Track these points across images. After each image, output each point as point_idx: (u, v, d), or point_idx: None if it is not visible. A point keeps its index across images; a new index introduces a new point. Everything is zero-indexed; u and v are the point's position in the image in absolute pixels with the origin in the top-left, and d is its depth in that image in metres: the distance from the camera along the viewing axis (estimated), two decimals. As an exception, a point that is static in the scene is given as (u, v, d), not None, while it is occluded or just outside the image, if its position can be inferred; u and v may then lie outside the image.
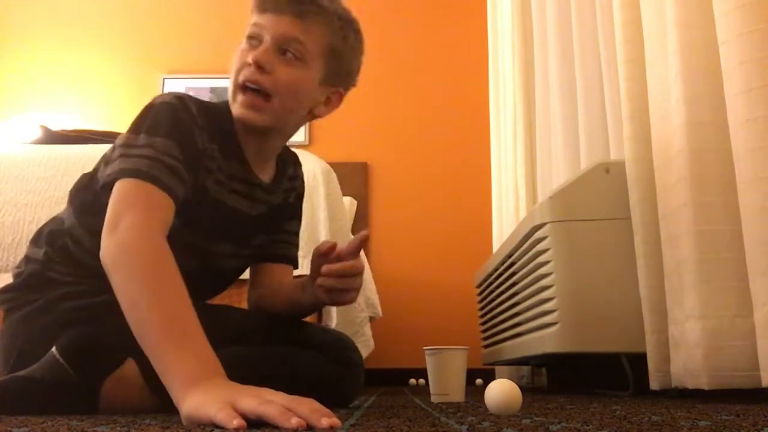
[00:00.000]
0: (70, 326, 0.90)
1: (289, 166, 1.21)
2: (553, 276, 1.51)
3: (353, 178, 3.51)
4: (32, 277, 1.03)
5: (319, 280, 1.02)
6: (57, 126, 2.71)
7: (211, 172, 1.01)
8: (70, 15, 3.83)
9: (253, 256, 1.19)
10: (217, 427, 0.60)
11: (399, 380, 3.14)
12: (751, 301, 1.07)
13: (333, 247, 1.01)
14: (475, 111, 3.61)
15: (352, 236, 2.37)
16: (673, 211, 1.30)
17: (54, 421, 0.71)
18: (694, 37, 1.27)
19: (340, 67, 1.08)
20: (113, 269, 0.80)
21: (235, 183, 1.06)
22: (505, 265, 1.93)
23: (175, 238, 0.85)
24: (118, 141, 0.94)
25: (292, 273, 1.25)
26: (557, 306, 1.49)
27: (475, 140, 3.58)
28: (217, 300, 1.23)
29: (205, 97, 3.05)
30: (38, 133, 2.35)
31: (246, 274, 1.24)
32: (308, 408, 0.61)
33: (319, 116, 1.11)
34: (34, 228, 1.73)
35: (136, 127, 0.94)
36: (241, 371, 0.74)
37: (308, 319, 1.20)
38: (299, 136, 3.58)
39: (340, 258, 1.01)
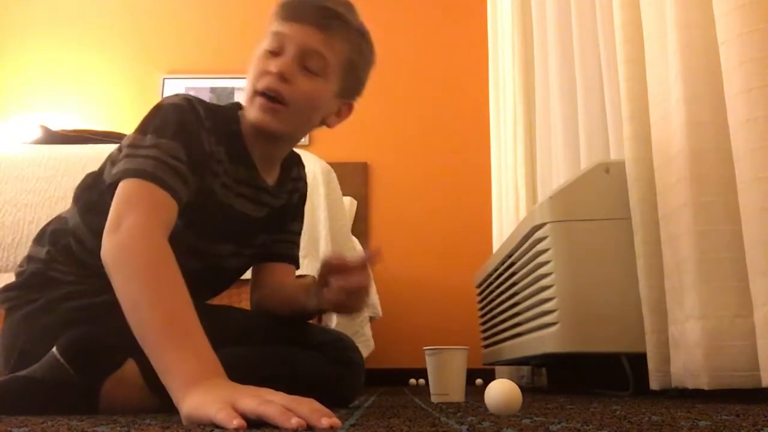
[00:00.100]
0: (71, 326, 0.90)
1: (292, 167, 1.20)
2: (553, 276, 1.51)
3: (353, 178, 3.51)
4: (34, 277, 1.03)
5: (327, 294, 1.03)
6: (57, 126, 2.71)
7: (218, 176, 1.01)
8: (70, 15, 3.83)
9: (255, 255, 1.19)
10: (217, 427, 0.60)
11: (399, 380, 3.14)
12: (751, 301, 1.07)
13: (343, 261, 1.01)
14: (475, 111, 3.61)
15: (352, 236, 2.38)
16: (673, 211, 1.30)
17: (54, 421, 0.71)
18: (694, 37, 1.27)
19: (356, 79, 1.09)
20: (114, 269, 0.80)
21: (242, 187, 1.06)
22: (505, 265, 1.93)
23: (177, 239, 0.85)
24: (125, 141, 0.94)
25: (294, 273, 1.25)
26: (557, 306, 1.49)
27: (475, 140, 3.58)
28: (218, 300, 1.23)
29: (205, 97, 3.06)
30: (38, 133, 2.34)
31: (247, 275, 1.24)
32: (308, 408, 0.61)
33: (330, 126, 1.12)
34: (34, 228, 1.72)
35: (144, 127, 0.94)
36: (241, 371, 0.73)
37: (308, 319, 1.20)
38: (299, 136, 3.58)
39: (348, 270, 1.01)
